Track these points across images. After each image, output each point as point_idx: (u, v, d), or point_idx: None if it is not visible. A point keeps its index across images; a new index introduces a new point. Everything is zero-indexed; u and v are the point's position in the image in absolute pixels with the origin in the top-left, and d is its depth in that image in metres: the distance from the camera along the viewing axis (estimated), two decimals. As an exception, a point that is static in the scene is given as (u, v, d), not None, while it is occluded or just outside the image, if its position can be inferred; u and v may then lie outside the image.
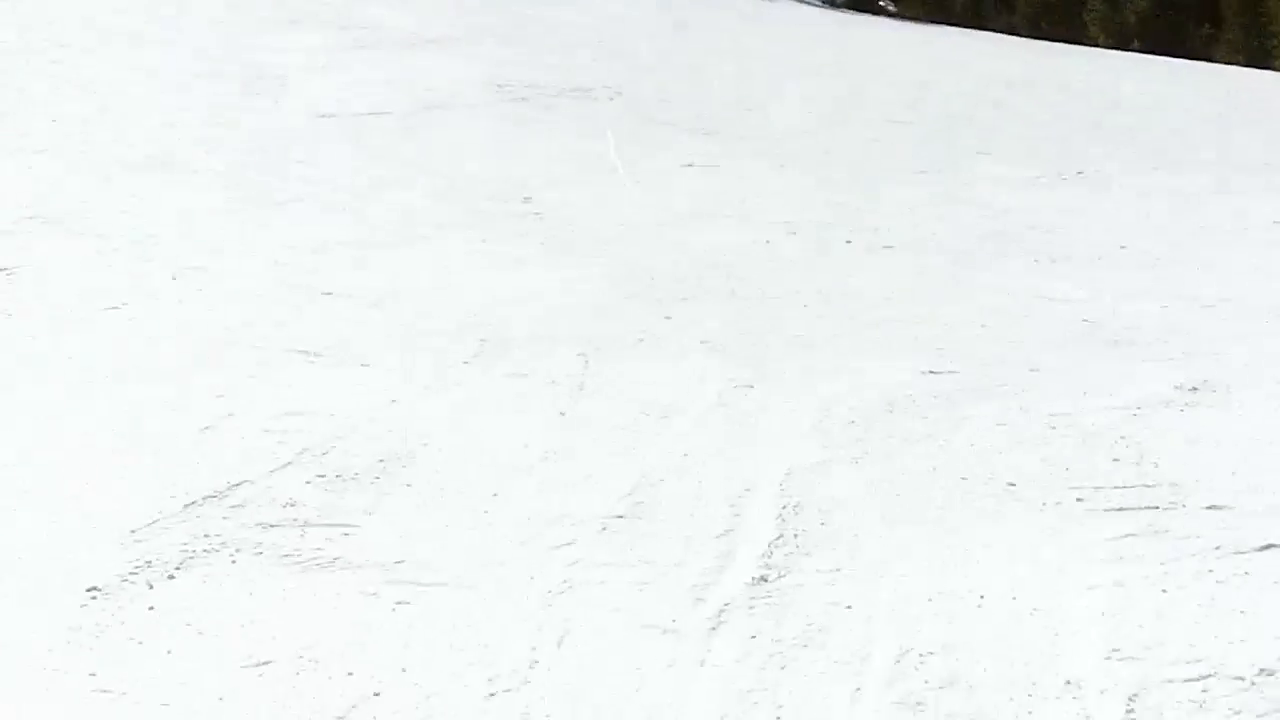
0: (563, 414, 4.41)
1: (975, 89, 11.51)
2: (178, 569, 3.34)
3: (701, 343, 5.09)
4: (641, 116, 8.87)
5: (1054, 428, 4.44)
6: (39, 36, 9.09)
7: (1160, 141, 10.26)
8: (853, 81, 11.08)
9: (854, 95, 10.43)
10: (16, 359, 4.54)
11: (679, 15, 13.37)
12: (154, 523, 3.54)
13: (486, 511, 3.73)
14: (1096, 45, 27.18)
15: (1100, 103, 11.87)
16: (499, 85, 9.28)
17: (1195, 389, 4.82)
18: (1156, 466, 4.16)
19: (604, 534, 3.63)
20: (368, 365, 4.69)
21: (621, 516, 3.73)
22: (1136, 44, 27.84)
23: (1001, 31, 17.86)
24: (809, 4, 18.45)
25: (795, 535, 3.66)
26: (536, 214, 6.65)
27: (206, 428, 4.12)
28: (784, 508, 3.81)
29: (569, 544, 3.56)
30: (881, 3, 21.40)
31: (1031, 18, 30.70)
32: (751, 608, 3.29)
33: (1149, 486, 4.02)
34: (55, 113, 7.67)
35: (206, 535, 3.49)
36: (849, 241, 6.51)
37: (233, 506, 3.65)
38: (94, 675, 2.92)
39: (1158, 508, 3.88)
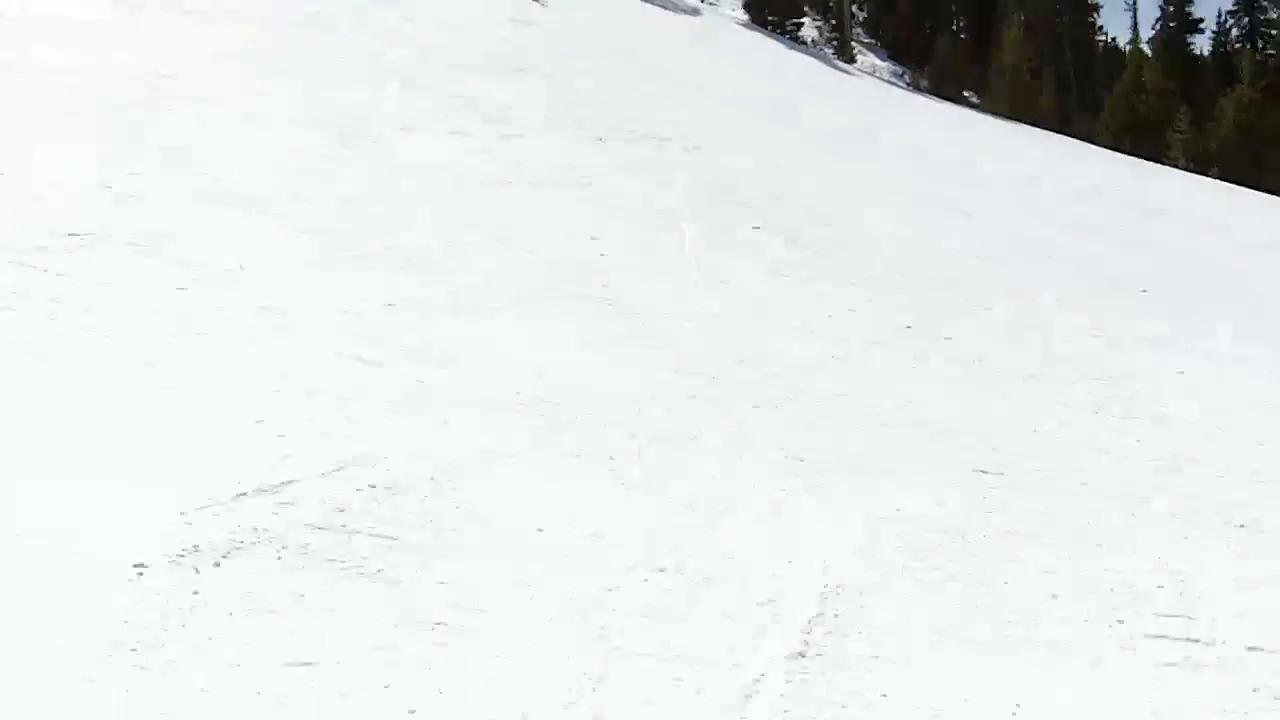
0: (615, 498, 4.40)
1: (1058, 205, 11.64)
2: (224, 558, 3.37)
3: (760, 447, 5.09)
4: (726, 220, 9.00)
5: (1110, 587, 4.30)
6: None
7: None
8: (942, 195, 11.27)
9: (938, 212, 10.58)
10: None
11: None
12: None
13: (529, 585, 3.67)
14: (1175, 166, 27.47)
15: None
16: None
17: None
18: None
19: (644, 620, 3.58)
20: (447, 422, 4.76)
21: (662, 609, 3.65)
22: (1216, 169, 28.36)
23: (1081, 139, 18.10)
24: (890, 83, 18.72)
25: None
26: (610, 302, 6.72)
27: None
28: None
29: (603, 633, 3.48)
30: (965, 93, 21.53)
31: (1115, 130, 30.95)
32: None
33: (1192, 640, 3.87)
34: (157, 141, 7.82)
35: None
36: (920, 361, 6.54)
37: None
38: (134, 651, 2.92)
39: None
